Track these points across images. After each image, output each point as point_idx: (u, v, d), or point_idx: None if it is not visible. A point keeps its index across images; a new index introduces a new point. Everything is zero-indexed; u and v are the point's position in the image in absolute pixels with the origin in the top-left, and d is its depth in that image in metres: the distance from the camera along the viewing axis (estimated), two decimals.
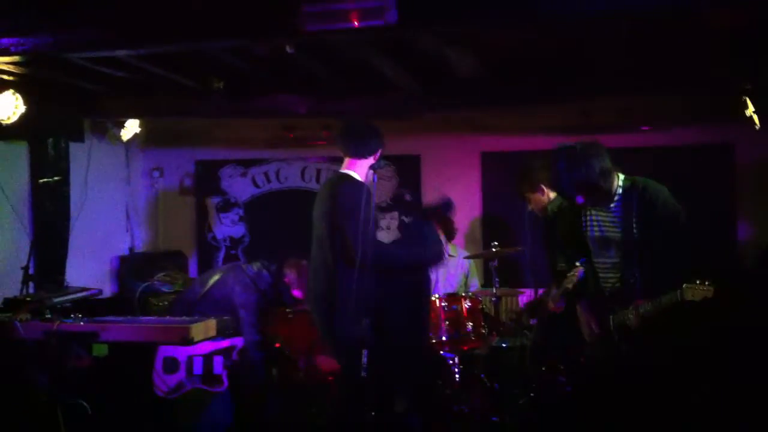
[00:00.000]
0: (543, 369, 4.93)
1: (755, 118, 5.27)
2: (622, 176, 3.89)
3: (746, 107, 5.25)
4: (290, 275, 5.29)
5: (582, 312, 4.09)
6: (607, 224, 3.90)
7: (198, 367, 4.94)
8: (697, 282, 3.51)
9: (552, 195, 5.10)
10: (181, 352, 4.92)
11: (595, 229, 3.96)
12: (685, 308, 3.58)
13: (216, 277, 5.24)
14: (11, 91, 5.23)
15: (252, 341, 5.03)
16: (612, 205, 3.86)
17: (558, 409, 4.74)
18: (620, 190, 3.84)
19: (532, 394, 4.98)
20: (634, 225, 3.79)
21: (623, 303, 3.83)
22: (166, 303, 6.03)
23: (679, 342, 3.81)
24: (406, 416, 5.04)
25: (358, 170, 4.22)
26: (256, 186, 7.66)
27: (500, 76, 5.50)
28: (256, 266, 5.29)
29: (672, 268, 3.68)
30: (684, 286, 3.54)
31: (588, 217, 3.98)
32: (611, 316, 3.88)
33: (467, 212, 7.25)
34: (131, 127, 6.71)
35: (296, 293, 5.33)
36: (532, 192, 5.25)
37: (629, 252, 3.81)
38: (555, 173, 3.81)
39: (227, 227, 7.65)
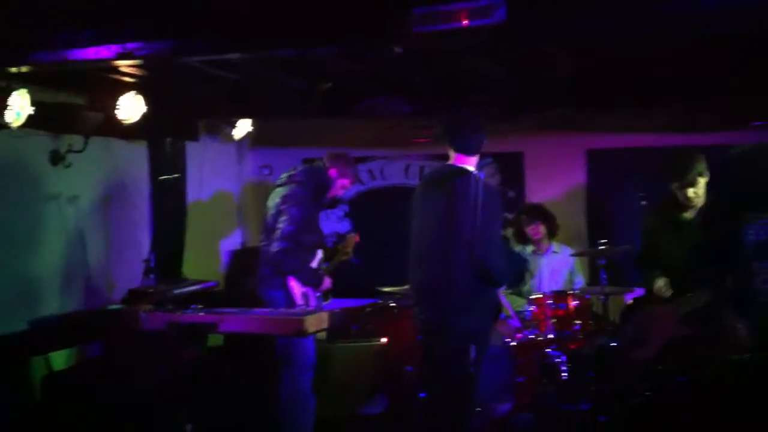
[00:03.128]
0: (660, 368, 4.80)
1: None
2: None
3: None
4: (334, 166, 5.22)
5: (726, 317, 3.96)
6: None
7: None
8: None
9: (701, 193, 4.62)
10: None
11: (762, 233, 3.83)
12: None
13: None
14: (133, 92, 5.49)
15: (283, 242, 4.87)
16: None
17: (675, 410, 4.61)
18: None
19: (648, 394, 4.84)
20: None
21: None
22: None
23: None
24: (516, 414, 5.05)
25: (469, 165, 4.23)
26: (361, 183, 7.79)
27: (604, 76, 5.42)
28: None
29: None
30: None
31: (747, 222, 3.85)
32: None
33: (571, 209, 7.17)
34: (243, 127, 6.95)
35: (344, 182, 5.27)
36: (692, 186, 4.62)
37: None
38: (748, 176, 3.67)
39: (333, 223, 7.80)
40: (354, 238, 5.92)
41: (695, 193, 4.52)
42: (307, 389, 4.94)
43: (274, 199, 5.08)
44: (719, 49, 4.80)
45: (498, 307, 4.42)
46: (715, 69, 5.18)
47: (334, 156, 5.29)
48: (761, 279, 3.89)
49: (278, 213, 4.97)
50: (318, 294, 5.10)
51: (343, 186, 5.33)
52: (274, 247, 4.86)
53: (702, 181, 4.52)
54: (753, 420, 3.65)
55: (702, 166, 4.53)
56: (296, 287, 4.95)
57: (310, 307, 4.96)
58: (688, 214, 4.65)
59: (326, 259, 5.47)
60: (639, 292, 5.29)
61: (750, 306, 3.84)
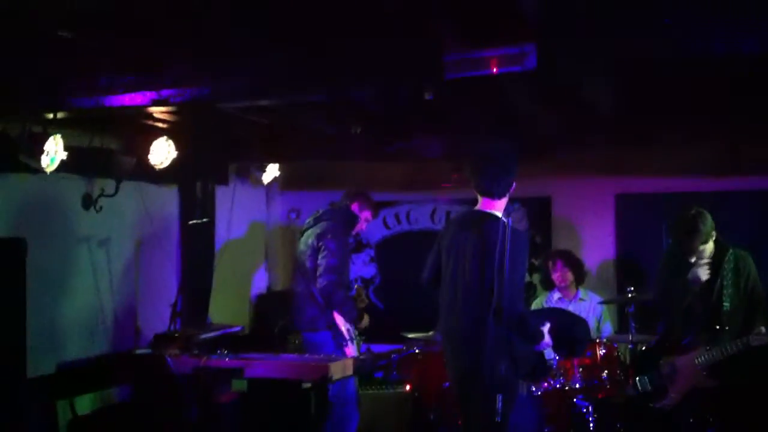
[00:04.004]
0: (691, 420, 4.74)
1: None
2: None
3: None
4: (354, 201, 5.39)
5: None
6: None
7: None
8: None
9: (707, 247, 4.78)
10: None
11: None
12: None
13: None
14: (165, 137, 5.56)
15: (330, 275, 4.98)
16: None
17: None
18: None
19: None
20: None
21: None
22: (297, 342, 6.19)
23: None
24: None
25: (496, 210, 4.20)
26: (387, 227, 7.79)
27: (640, 114, 5.39)
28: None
29: None
30: None
31: None
32: None
33: (599, 255, 7.11)
34: (271, 171, 7.02)
35: (367, 214, 5.42)
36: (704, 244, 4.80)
37: None
38: None
39: (359, 267, 7.80)
40: (361, 289, 5.90)
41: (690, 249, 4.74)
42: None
43: (306, 241, 5.17)
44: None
45: (533, 357, 4.35)
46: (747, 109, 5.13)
47: (351, 192, 5.47)
48: None
49: (315, 251, 5.09)
50: (356, 332, 5.15)
51: (366, 219, 5.47)
52: (321, 282, 4.97)
53: (697, 240, 4.67)
54: None
55: (693, 226, 4.68)
56: (342, 323, 4.98)
57: (349, 346, 4.97)
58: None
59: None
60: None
61: None
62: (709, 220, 4.72)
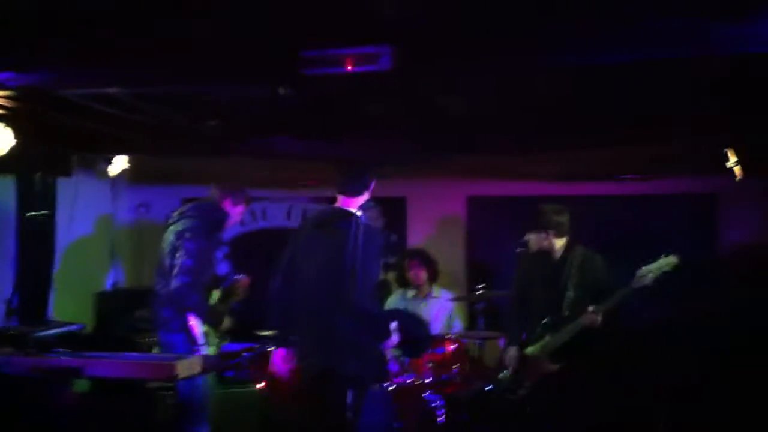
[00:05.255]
0: (528, 410, 4.96)
1: (737, 170, 5.38)
2: None
3: (727, 159, 5.37)
4: (226, 197, 5.17)
5: None
6: None
7: None
8: None
9: (557, 242, 5.04)
10: None
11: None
12: None
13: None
14: (2, 124, 5.23)
15: (183, 277, 4.78)
16: None
17: None
18: None
19: None
20: None
21: None
22: (148, 340, 5.98)
23: None
24: None
25: (352, 207, 4.24)
26: (242, 224, 7.66)
27: (490, 122, 5.58)
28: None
29: None
30: None
31: None
32: None
33: (451, 254, 7.31)
34: (119, 163, 6.72)
35: (240, 209, 5.25)
36: (537, 232, 5.10)
37: None
38: None
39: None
40: (245, 281, 5.78)
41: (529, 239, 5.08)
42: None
43: (168, 238, 4.95)
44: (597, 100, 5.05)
45: (382, 354, 4.40)
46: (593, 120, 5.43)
47: (223, 188, 5.21)
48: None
49: (174, 250, 4.86)
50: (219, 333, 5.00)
51: (240, 212, 5.28)
52: (175, 282, 4.74)
53: (533, 232, 5.03)
54: None
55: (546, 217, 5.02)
56: (197, 326, 4.79)
57: (201, 350, 4.81)
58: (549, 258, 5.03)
59: (220, 300, 5.36)
60: None
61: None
62: (551, 215, 5.00)
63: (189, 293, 4.73)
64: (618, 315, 4.77)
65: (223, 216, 5.11)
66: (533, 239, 5.03)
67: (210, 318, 4.89)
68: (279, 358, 4.44)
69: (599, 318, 4.65)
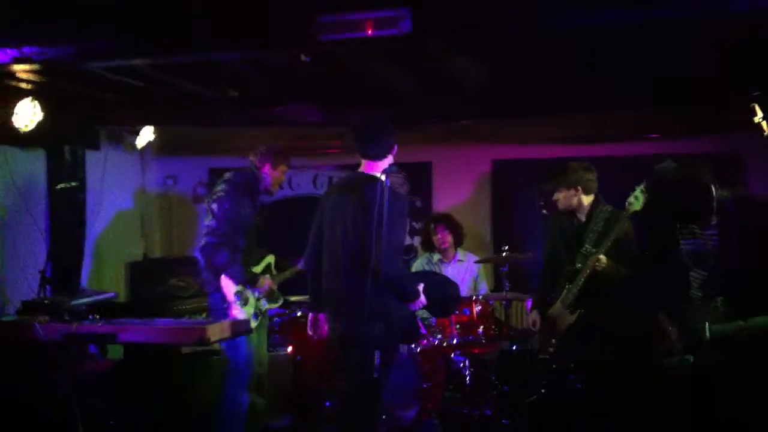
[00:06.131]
0: (553, 367, 4.97)
1: (764, 125, 5.30)
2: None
3: (755, 114, 5.30)
4: (266, 161, 5.14)
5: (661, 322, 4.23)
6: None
7: None
8: None
9: (585, 199, 4.99)
10: None
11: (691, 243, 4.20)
12: None
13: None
14: (29, 99, 5.30)
15: (208, 237, 4.86)
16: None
17: (568, 406, 4.80)
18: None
19: (543, 391, 5.02)
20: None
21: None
22: (180, 307, 6.10)
23: None
24: (422, 420, 5.08)
25: (378, 172, 4.24)
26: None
27: (509, 87, 5.57)
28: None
29: None
30: None
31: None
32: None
33: (477, 218, 7.34)
34: (145, 136, 6.81)
35: (283, 168, 5.21)
36: (567, 189, 5.00)
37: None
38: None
39: None
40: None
41: (557, 198, 4.98)
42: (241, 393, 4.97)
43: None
44: (615, 63, 5.02)
45: (411, 317, 4.45)
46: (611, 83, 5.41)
47: (259, 151, 5.17)
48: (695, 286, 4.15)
49: (206, 213, 5.01)
50: (258, 293, 5.06)
51: (283, 172, 5.23)
52: (201, 243, 4.88)
53: (563, 189, 4.94)
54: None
55: (562, 177, 4.95)
56: (229, 285, 4.89)
57: (234, 308, 4.89)
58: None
59: (278, 269, 5.43)
60: None
61: (683, 312, 4.09)
62: (580, 172, 4.93)
63: (212, 252, 4.82)
64: (628, 259, 4.73)
65: (254, 179, 5.12)
66: (562, 197, 4.97)
67: (241, 276, 4.93)
68: (313, 323, 4.52)
69: (604, 260, 4.63)
